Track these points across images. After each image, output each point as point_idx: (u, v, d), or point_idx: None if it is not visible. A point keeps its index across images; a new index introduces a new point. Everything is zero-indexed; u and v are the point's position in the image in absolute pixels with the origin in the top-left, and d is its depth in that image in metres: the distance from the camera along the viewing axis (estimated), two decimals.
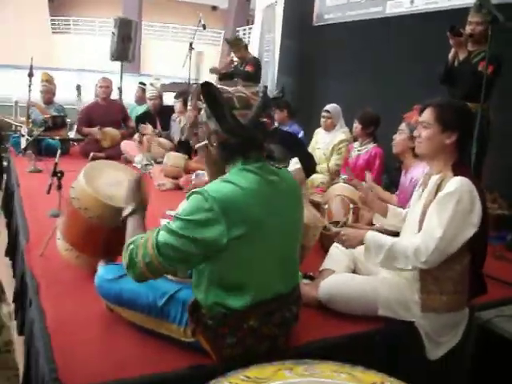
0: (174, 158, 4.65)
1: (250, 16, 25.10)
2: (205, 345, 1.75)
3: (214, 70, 6.85)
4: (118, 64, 8.16)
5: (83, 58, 21.27)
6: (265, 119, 1.74)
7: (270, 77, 7.51)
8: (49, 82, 6.17)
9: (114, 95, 6.84)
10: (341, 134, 4.78)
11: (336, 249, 2.54)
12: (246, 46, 6.85)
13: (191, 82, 7.13)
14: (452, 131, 2.12)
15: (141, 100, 6.97)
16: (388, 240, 2.10)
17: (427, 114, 2.19)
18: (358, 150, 4.38)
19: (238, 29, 24.53)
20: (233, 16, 24.40)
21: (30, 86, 5.95)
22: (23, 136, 5.75)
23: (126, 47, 7.76)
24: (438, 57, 4.64)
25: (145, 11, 23.03)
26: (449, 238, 1.99)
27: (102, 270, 2.04)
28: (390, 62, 5.41)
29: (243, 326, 1.69)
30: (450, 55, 3.85)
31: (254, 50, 7.50)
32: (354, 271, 2.50)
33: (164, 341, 1.86)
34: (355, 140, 4.55)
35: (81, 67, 20.01)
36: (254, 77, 6.59)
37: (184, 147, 4.96)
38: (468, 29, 3.68)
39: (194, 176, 4.20)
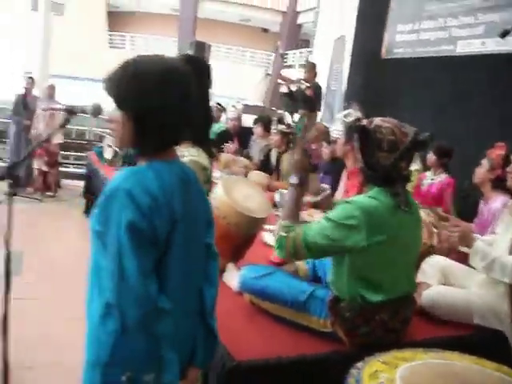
0: (257, 177, 5.08)
1: (300, 40, 25.82)
2: (340, 334, 2.15)
3: (282, 78, 7.25)
4: None
5: None
6: (403, 163, 2.10)
7: (337, 106, 7.94)
8: None
9: None
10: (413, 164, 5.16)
11: (427, 264, 2.91)
12: (315, 73, 7.28)
13: (267, 106, 7.62)
14: None
15: (216, 119, 7.46)
16: (493, 252, 2.48)
17: None
18: (431, 179, 4.75)
19: (287, 52, 25.23)
20: (284, 39, 25.04)
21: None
22: (110, 146, 6.30)
23: None
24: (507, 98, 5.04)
25: (198, 32, 23.93)
26: None
27: (246, 270, 2.48)
28: (459, 98, 5.75)
29: (376, 318, 2.09)
30: None
31: (322, 79, 7.94)
32: (444, 285, 2.87)
33: (299, 330, 2.27)
34: (427, 169, 4.92)
35: None
36: (311, 102, 7.05)
37: (265, 166, 5.41)
38: None
39: (277, 194, 4.62)
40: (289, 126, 5.44)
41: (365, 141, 2.08)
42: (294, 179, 2.25)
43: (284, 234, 2.10)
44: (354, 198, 2.09)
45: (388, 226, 2.03)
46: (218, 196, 2.73)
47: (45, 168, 7.02)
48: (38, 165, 7.01)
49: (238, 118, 6.52)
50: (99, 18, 22.74)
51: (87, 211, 6.46)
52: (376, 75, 7.26)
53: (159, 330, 1.27)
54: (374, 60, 7.38)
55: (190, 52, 8.38)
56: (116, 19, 24.11)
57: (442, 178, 4.67)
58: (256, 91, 23.39)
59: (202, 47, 8.39)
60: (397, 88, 6.77)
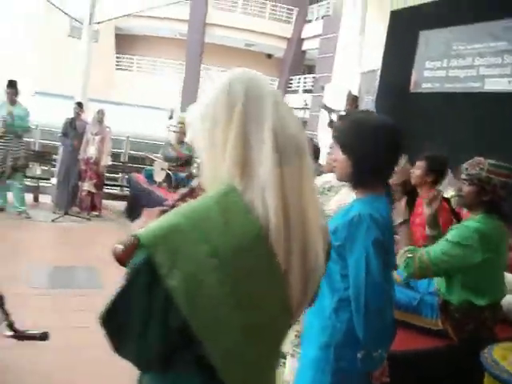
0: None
1: (304, 66, 26.64)
2: (450, 331, 2.69)
3: (325, 107, 7.81)
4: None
5: (144, 94, 22.81)
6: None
7: None
8: (184, 124, 7.30)
9: None
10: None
11: None
12: (357, 104, 7.86)
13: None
14: None
15: None
16: None
17: None
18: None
19: (292, 77, 26.04)
20: (288, 65, 25.85)
21: (169, 127, 7.09)
22: (163, 170, 6.84)
23: None
24: None
25: (205, 56, 24.72)
26: None
27: None
28: (486, 135, 6.34)
29: (480, 318, 2.63)
30: None
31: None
32: None
33: (408, 328, 2.80)
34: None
35: (140, 103, 21.47)
36: None
37: None
38: None
39: None
40: None
41: (479, 185, 2.61)
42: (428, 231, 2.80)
43: (410, 255, 2.62)
44: (467, 223, 2.64)
45: (496, 244, 2.59)
46: None
47: (93, 190, 7.50)
48: (87, 186, 7.49)
49: None
50: (108, 40, 23.42)
51: None
52: (404, 108, 7.87)
53: (388, 314, 1.80)
54: (402, 93, 8.00)
55: None
56: (124, 41, 24.80)
57: None
58: None
59: None
60: (425, 121, 7.38)
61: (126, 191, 8.82)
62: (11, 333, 2.00)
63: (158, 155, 7.39)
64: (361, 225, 1.78)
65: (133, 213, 7.58)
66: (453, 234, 2.62)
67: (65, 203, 7.43)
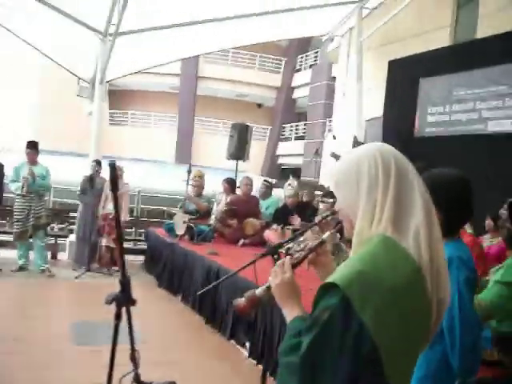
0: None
1: (295, 114, 27.33)
2: (505, 361, 2.90)
3: (333, 155, 8.11)
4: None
5: (139, 148, 23.23)
6: None
7: None
8: (201, 177, 7.59)
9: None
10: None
11: None
12: None
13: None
14: None
15: (265, 195, 8.28)
16: None
17: None
18: (490, 241, 5.60)
19: (284, 125, 26.69)
20: (279, 113, 26.53)
21: (187, 181, 7.35)
22: (185, 223, 7.06)
23: (242, 148, 9.25)
24: None
25: (198, 107, 25.36)
26: None
27: None
28: (490, 178, 6.64)
29: None
30: None
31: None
32: None
33: None
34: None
35: (135, 157, 21.82)
36: None
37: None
38: None
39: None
40: None
41: None
42: None
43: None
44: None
45: None
46: None
47: (112, 245, 7.68)
48: (106, 242, 7.67)
49: (297, 195, 7.34)
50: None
51: (160, 281, 7.13)
52: (410, 152, 8.21)
53: (479, 346, 2.03)
54: (406, 138, 8.38)
55: (233, 134, 9.32)
56: (116, 97, 25.37)
57: (500, 240, 5.53)
58: (255, 164, 24.49)
59: (245, 129, 9.33)
60: (431, 163, 7.73)
61: (141, 245, 9.01)
62: None
63: (177, 209, 7.63)
64: (451, 266, 2.02)
65: (152, 266, 7.77)
66: (502, 274, 2.88)
67: (85, 260, 7.60)
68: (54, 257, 8.33)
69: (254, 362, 4.45)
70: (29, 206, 7.09)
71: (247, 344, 4.68)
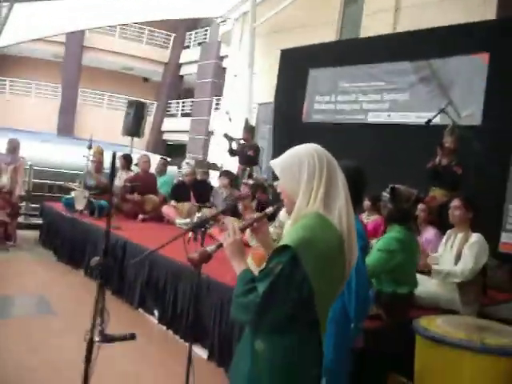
0: (233, 221, 6.43)
1: (182, 90, 27.45)
2: (382, 314, 3.62)
3: (226, 136, 8.60)
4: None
5: (19, 118, 22.16)
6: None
7: (265, 161, 9.52)
8: (101, 154, 7.76)
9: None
10: None
11: None
12: (253, 134, 8.80)
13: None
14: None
15: (161, 172, 8.61)
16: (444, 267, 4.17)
17: (457, 203, 4.31)
18: (367, 218, 6.46)
19: (170, 101, 26.72)
20: (166, 89, 26.52)
21: (88, 157, 7.50)
22: (85, 198, 7.24)
23: (138, 125, 9.48)
24: (405, 160, 6.91)
25: (82, 79, 24.62)
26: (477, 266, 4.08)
27: None
28: (368, 162, 7.52)
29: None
30: (437, 160, 6.00)
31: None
32: None
33: None
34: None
35: (14, 127, 20.85)
36: (253, 161, 8.59)
37: (231, 212, 6.73)
38: (450, 145, 5.86)
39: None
40: (258, 180, 6.90)
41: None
42: None
43: None
44: (389, 234, 3.63)
45: (410, 248, 3.60)
46: None
47: (7, 219, 7.62)
48: (0, 216, 7.59)
49: (193, 173, 7.78)
50: None
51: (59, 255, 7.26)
52: (298, 136, 8.97)
53: (368, 299, 2.66)
54: (295, 123, 9.14)
55: (130, 111, 9.51)
56: None
57: (376, 218, 6.40)
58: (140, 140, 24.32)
59: (141, 107, 9.55)
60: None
61: (33, 220, 8.96)
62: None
63: (76, 184, 7.72)
64: None
65: (49, 240, 7.83)
66: (382, 244, 3.59)
67: None
68: None
69: (164, 327, 4.90)
70: None
71: (156, 312, 5.10)
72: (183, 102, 26.02)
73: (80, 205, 7.33)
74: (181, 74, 26.74)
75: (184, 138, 24.55)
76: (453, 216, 4.42)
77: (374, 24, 9.20)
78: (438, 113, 6.02)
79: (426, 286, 4.35)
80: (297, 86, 9.29)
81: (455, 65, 7.03)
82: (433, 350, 3.02)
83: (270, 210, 2.13)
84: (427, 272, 4.37)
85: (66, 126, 23.91)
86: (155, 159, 8.95)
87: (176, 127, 25.43)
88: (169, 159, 9.15)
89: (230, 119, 9.23)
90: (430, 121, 5.79)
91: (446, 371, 2.98)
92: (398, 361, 3.40)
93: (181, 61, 26.28)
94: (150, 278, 5.21)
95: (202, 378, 2.74)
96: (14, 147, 7.73)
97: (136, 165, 8.21)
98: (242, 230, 2.00)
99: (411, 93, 7.57)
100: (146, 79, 28.18)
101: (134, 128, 9.47)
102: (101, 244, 6.14)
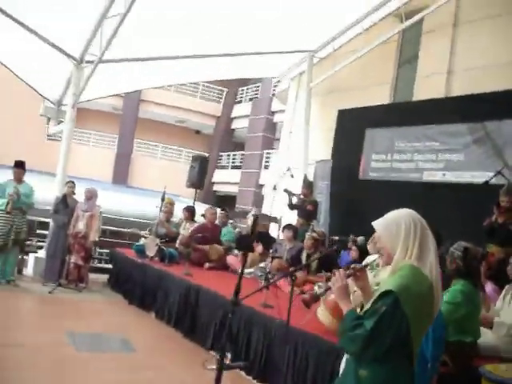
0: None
1: (233, 142, 28.44)
2: (447, 360, 3.96)
3: (287, 191, 9.15)
4: None
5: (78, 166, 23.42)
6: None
7: (323, 215, 10.00)
8: (171, 204, 8.42)
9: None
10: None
11: None
12: (312, 189, 9.30)
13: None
14: None
15: (223, 224, 9.19)
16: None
17: None
18: None
19: (221, 153, 27.69)
20: (218, 141, 27.56)
21: (160, 208, 8.15)
22: (157, 246, 7.83)
23: (201, 178, 10.16)
24: (460, 218, 7.23)
25: (138, 130, 25.94)
26: None
27: None
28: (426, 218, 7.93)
29: (468, 350, 3.94)
30: (493, 218, 6.34)
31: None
32: None
33: None
34: None
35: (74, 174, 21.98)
36: (312, 215, 9.07)
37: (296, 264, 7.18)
38: (506, 203, 6.22)
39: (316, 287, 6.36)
40: (319, 234, 7.36)
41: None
42: None
43: None
44: (455, 287, 4.01)
45: (473, 300, 3.97)
46: None
47: (80, 262, 8.27)
48: (74, 259, 8.25)
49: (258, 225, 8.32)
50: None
51: (130, 299, 7.81)
52: (354, 192, 9.48)
53: (442, 342, 3.05)
54: (352, 180, 9.64)
55: (195, 164, 10.20)
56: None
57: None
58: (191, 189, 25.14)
59: (205, 161, 10.26)
60: (373, 203, 8.97)
61: (102, 264, 9.63)
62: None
63: (147, 232, 8.37)
64: None
65: (119, 284, 8.42)
66: (448, 296, 3.97)
67: (54, 276, 8.16)
68: (19, 271, 8.76)
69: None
70: (12, 222, 7.61)
71: (228, 354, 5.52)
72: (234, 155, 26.94)
73: (151, 251, 7.93)
74: (232, 127, 27.80)
75: (233, 189, 25.33)
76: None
77: (428, 86, 9.75)
78: (495, 174, 6.43)
79: (488, 337, 4.68)
80: (354, 145, 9.83)
81: (509, 127, 7.44)
82: None
83: (370, 260, 2.61)
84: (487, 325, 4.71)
85: (121, 175, 25.06)
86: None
87: (226, 179, 26.27)
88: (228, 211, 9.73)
89: (291, 175, 9.77)
90: (487, 182, 6.21)
91: None
92: None
93: (232, 115, 27.38)
94: (223, 322, 5.67)
95: None
96: (91, 195, 8.46)
97: (203, 216, 8.78)
98: (348, 276, 2.47)
99: (466, 153, 7.99)
100: (197, 131, 29.35)
101: (198, 181, 10.14)
102: (175, 289, 6.69)
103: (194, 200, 10.34)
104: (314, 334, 4.51)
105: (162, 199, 8.13)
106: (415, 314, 2.13)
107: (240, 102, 27.53)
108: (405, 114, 9.11)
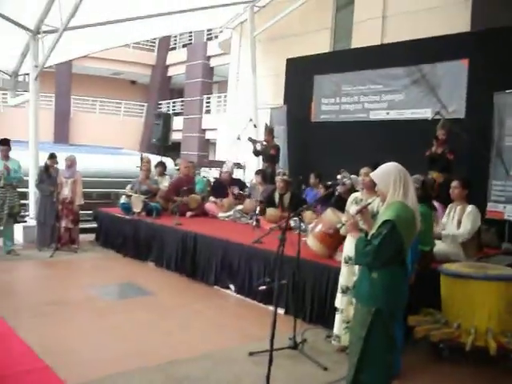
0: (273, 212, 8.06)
1: (170, 90, 28.84)
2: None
3: (251, 139, 10.24)
4: None
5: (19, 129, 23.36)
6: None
7: (282, 158, 11.11)
8: (148, 162, 9.33)
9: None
10: None
11: None
12: (273, 135, 10.36)
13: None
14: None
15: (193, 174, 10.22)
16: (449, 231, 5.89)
17: (456, 183, 6.03)
18: None
19: (161, 102, 28.11)
20: (156, 90, 27.90)
21: (140, 167, 9.08)
22: (143, 201, 8.79)
23: (167, 134, 11.05)
24: (403, 150, 8.56)
25: (74, 87, 25.90)
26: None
27: None
28: (372, 153, 9.16)
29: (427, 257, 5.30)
30: (433, 149, 7.70)
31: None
32: None
33: None
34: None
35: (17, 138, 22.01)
36: (275, 159, 10.20)
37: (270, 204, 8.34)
38: (442, 135, 7.58)
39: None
40: (288, 176, 8.53)
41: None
42: None
43: None
44: None
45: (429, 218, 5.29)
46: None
47: (70, 225, 9.11)
48: (65, 223, 9.07)
49: (230, 172, 9.44)
50: None
51: (124, 252, 8.80)
52: (308, 134, 10.68)
53: (417, 253, 4.34)
54: (305, 123, 10.82)
55: (158, 122, 11.05)
56: None
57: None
58: (132, 140, 25.59)
59: (168, 118, 11.12)
60: (325, 142, 10.23)
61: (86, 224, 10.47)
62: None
63: (130, 190, 9.25)
64: None
65: (108, 241, 9.36)
66: None
67: (47, 241, 8.98)
68: None
69: (241, 297, 6.54)
70: (4, 197, 8.33)
71: (232, 286, 6.71)
72: (174, 103, 27.46)
73: (137, 208, 8.89)
74: (169, 75, 28.15)
75: (177, 136, 26.02)
76: (453, 193, 6.12)
77: (364, 31, 10.93)
78: (435, 114, 7.77)
79: (439, 247, 6.07)
80: (304, 91, 10.95)
81: (441, 69, 8.74)
82: (452, 283, 4.73)
83: (372, 199, 3.81)
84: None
85: (61, 131, 25.22)
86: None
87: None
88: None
89: (254, 126, 10.81)
90: (431, 119, 7.63)
91: (463, 297, 4.68)
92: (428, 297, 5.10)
93: (168, 62, 27.69)
94: (223, 261, 6.83)
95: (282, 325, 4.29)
96: (72, 163, 9.20)
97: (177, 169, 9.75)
98: (357, 212, 3.65)
99: (405, 93, 9.28)
100: (133, 82, 29.49)
101: (163, 137, 11.02)
102: (171, 238, 7.75)
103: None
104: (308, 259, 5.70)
105: (141, 158, 9.03)
106: (405, 233, 3.31)
107: (174, 48, 27.82)
108: (348, 60, 10.28)
